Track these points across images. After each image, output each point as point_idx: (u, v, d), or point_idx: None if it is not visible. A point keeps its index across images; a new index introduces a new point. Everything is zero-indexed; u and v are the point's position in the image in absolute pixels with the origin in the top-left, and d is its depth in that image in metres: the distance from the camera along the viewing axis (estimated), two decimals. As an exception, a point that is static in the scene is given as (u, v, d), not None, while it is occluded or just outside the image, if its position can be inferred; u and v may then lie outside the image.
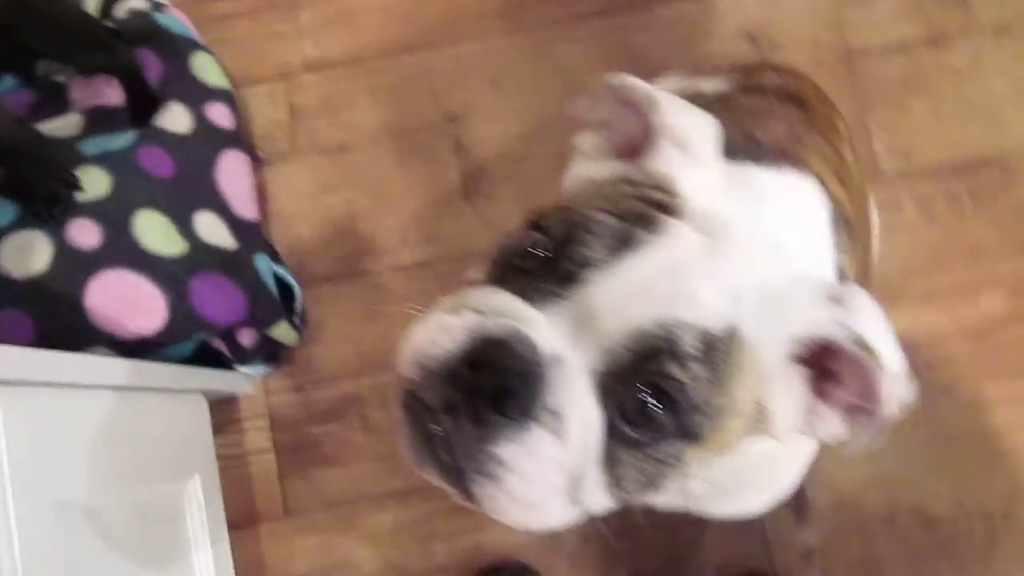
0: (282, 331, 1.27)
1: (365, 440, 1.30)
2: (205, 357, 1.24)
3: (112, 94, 1.27)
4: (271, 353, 1.29)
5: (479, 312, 0.55)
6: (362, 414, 1.31)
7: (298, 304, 1.31)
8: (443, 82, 1.38)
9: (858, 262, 0.83)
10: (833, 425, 0.60)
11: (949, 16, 1.38)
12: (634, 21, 1.39)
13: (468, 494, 0.54)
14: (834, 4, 1.39)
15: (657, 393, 0.53)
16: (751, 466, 0.72)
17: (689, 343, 0.53)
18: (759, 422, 0.58)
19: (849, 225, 0.79)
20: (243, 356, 1.27)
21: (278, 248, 1.35)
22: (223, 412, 1.31)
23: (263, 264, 1.29)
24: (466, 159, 1.36)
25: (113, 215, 1.15)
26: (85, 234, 1.13)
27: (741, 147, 0.76)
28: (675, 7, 1.40)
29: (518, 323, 0.54)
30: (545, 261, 0.57)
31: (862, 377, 0.56)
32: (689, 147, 0.62)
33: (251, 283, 1.24)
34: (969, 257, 1.31)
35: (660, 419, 0.53)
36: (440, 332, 0.54)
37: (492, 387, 0.51)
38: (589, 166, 0.69)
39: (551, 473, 0.53)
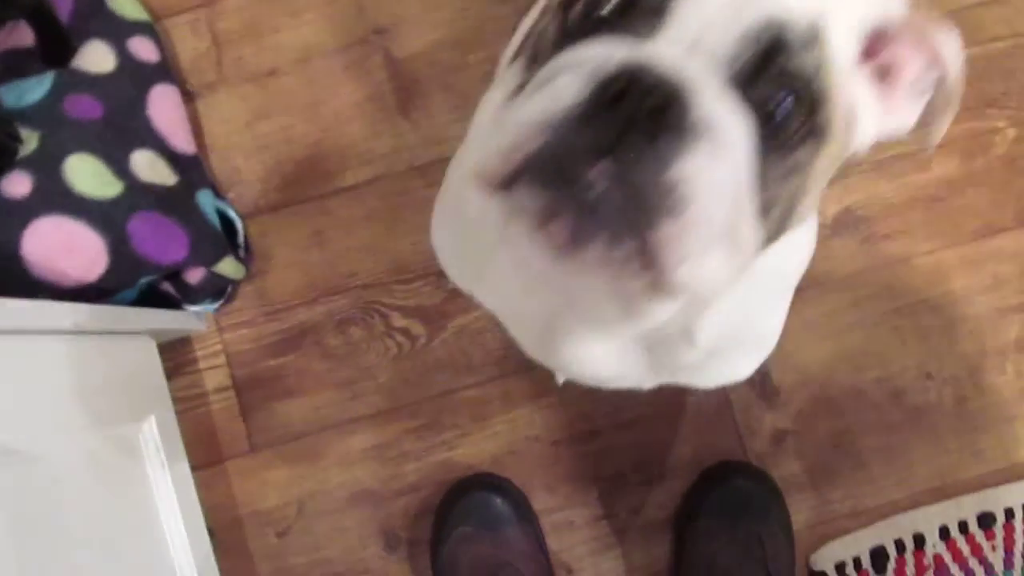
0: (228, 266, 1.25)
1: (325, 368, 1.29)
2: (154, 301, 1.22)
3: (24, 35, 1.23)
4: (219, 289, 1.27)
5: (578, 67, 0.48)
6: (319, 342, 1.29)
7: (241, 237, 1.29)
8: (368, -5, 1.34)
9: None
10: (908, 109, 0.58)
11: None
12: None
13: (647, 258, 0.47)
14: None
15: (784, 89, 0.50)
16: (753, 307, 0.71)
17: (799, 36, 0.51)
18: (852, 127, 0.56)
19: None
20: (191, 295, 1.25)
21: (216, 181, 1.32)
22: (177, 353, 1.30)
23: (205, 199, 1.26)
24: (399, 72, 1.33)
25: (43, 163, 1.12)
26: (16, 184, 1.10)
27: None
28: None
29: (636, 54, 0.48)
30: (620, 7, 0.51)
31: (921, 48, 0.56)
32: None
33: (193, 220, 1.22)
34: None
35: (797, 114, 0.51)
36: (546, 99, 0.47)
37: (647, 108, 0.45)
38: None
39: (728, 192, 0.48)
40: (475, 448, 1.27)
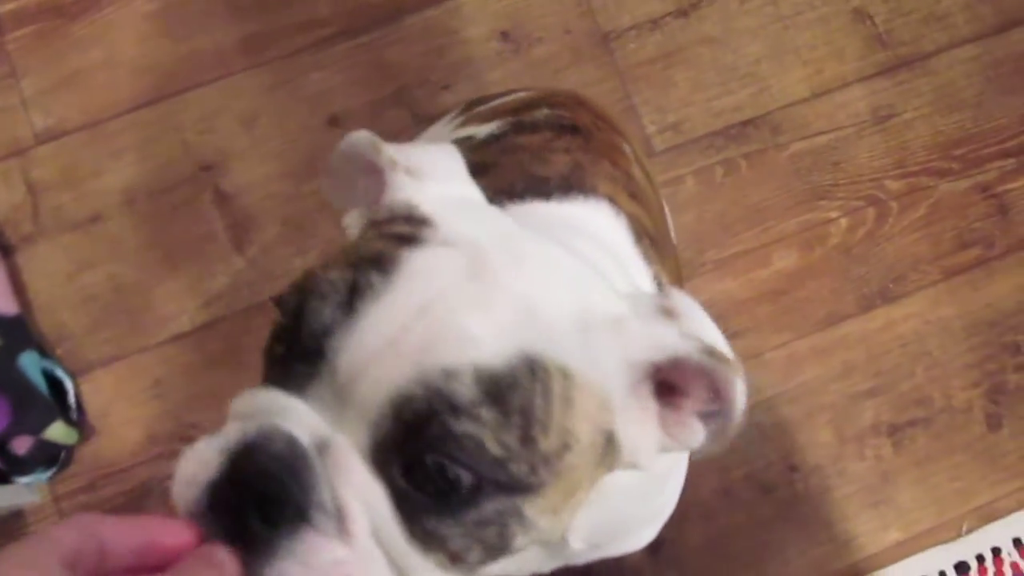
0: (59, 431, 1.18)
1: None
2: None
3: None
4: (51, 456, 1.20)
5: (244, 418, 0.51)
6: (163, 502, 1.23)
7: (72, 397, 1.22)
8: (192, 132, 1.31)
9: (669, 268, 0.82)
10: (693, 433, 0.56)
11: (694, -15, 1.41)
12: (382, 36, 1.36)
13: None
14: (583, -11, 1.40)
15: (447, 456, 0.48)
16: (631, 501, 0.69)
17: (467, 390, 0.47)
18: (611, 453, 0.54)
19: (650, 236, 0.78)
20: (19, 466, 1.17)
21: (42, 340, 1.25)
22: (11, 529, 1.21)
23: (30, 361, 1.20)
24: (230, 209, 1.30)
25: None
26: None
27: (524, 187, 0.74)
28: (422, 15, 1.37)
29: (274, 418, 0.49)
30: (288, 342, 0.51)
31: (709, 383, 0.54)
32: (420, 169, 0.58)
33: (15, 385, 1.15)
34: (755, 219, 1.34)
35: (463, 482, 0.48)
36: (196, 463, 0.50)
37: (253, 498, 0.47)
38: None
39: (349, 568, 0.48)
40: None
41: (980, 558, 1.28)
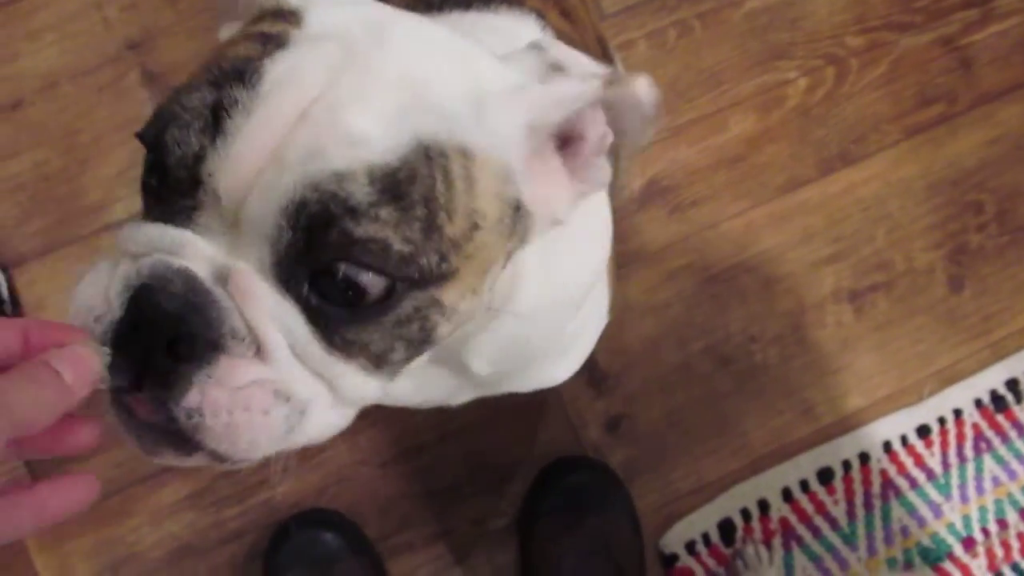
0: (-8, 324, 1.16)
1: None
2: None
3: None
4: (-13, 351, 1.18)
5: (132, 256, 0.50)
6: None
7: (4, 290, 1.20)
8: (113, 8, 1.26)
9: None
10: (599, 171, 0.55)
11: None
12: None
13: (218, 456, 0.50)
14: None
15: (351, 261, 0.47)
16: (537, 323, 0.68)
17: (362, 190, 0.46)
18: (522, 221, 0.54)
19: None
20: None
21: (-31, 233, 1.22)
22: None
23: (-41, 255, 1.17)
24: (160, 89, 1.26)
25: None
26: None
27: None
28: None
29: (166, 254, 0.48)
30: (159, 175, 0.50)
31: (595, 114, 0.53)
32: None
33: (-57, 279, 1.13)
34: (711, 83, 1.31)
35: (373, 285, 0.48)
36: (96, 299, 0.50)
37: (160, 340, 0.47)
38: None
39: (264, 394, 0.49)
40: (298, 483, 1.23)
41: (942, 420, 1.29)
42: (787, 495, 1.26)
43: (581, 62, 0.55)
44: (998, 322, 1.31)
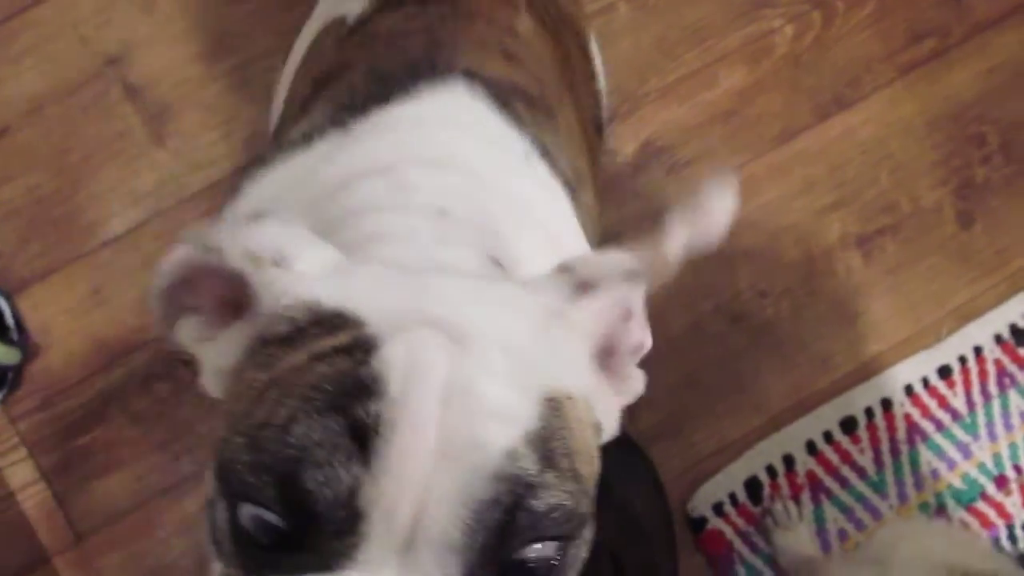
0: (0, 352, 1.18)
1: (138, 433, 1.23)
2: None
3: None
4: (-1, 378, 1.20)
5: None
6: (125, 408, 1.23)
7: (9, 317, 1.21)
8: (89, 25, 1.26)
9: (564, 119, 0.78)
10: (635, 381, 0.57)
11: None
12: None
13: None
14: None
15: (547, 534, 0.45)
16: None
17: (529, 462, 0.44)
18: (600, 438, 0.54)
19: (527, 96, 0.72)
20: (-32, 392, 1.17)
21: (-30, 263, 1.23)
22: (-30, 457, 1.22)
23: (-38, 286, 1.18)
24: (143, 101, 1.26)
25: None
26: None
27: (365, 93, 0.68)
28: None
29: None
30: (294, 529, 0.44)
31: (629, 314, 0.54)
32: (283, 253, 0.50)
33: (-50, 311, 1.14)
34: (695, 39, 1.29)
35: (558, 550, 0.46)
36: None
37: None
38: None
39: None
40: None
41: (962, 359, 1.27)
42: (811, 448, 1.25)
43: (605, 269, 0.53)
44: (1012, 254, 1.29)
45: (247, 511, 0.45)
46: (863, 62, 1.29)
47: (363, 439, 0.43)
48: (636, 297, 0.54)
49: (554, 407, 0.47)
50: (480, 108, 0.68)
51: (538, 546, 0.45)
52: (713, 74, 1.29)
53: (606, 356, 0.54)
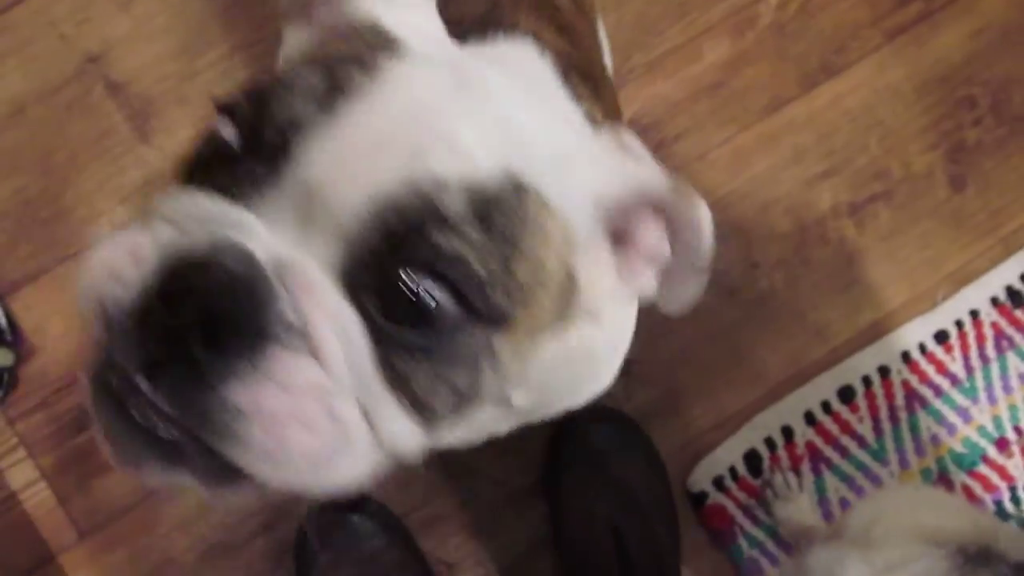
0: (-5, 354, 1.18)
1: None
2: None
3: None
4: (-5, 381, 1.20)
5: (173, 224, 0.45)
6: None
7: (2, 319, 1.21)
8: (68, 24, 1.26)
9: (606, 104, 0.78)
10: (644, 281, 0.56)
11: None
12: None
13: (219, 477, 0.45)
14: None
15: (430, 275, 0.44)
16: (574, 362, 0.67)
17: (456, 202, 0.44)
18: (570, 295, 0.52)
19: (579, 72, 0.73)
20: (-35, 395, 1.17)
21: (-38, 267, 1.24)
22: (-29, 460, 1.22)
23: (-44, 290, 1.19)
24: (126, 98, 1.26)
25: None
26: None
27: None
28: None
29: (224, 229, 0.43)
30: (242, 144, 0.46)
31: (667, 224, 0.54)
32: None
33: (-58, 315, 1.14)
34: (678, 13, 1.28)
35: (442, 307, 0.45)
36: (123, 259, 0.43)
37: (199, 319, 0.41)
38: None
39: (315, 404, 0.43)
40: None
41: (959, 324, 1.27)
42: (810, 419, 1.25)
43: (652, 165, 0.54)
44: (1006, 216, 1.29)
45: (219, 124, 0.47)
46: (849, 28, 1.28)
47: (332, 97, 0.45)
48: (671, 207, 0.53)
49: (520, 193, 0.47)
50: (548, 70, 0.69)
51: (427, 281, 0.44)
52: (697, 48, 1.28)
53: (620, 242, 0.55)
